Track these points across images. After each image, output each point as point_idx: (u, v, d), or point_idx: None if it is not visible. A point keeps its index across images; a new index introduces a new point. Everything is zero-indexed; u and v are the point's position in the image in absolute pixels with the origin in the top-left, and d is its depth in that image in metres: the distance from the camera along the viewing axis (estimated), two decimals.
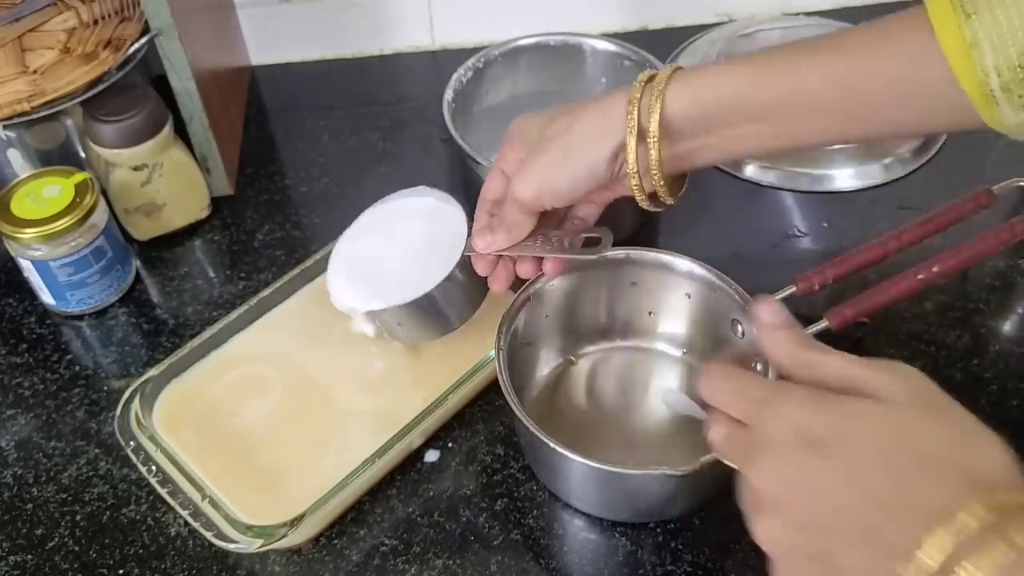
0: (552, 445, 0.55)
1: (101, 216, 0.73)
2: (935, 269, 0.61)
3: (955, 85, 0.46)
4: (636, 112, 0.53)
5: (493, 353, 0.66)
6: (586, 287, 0.67)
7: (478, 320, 0.69)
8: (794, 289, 0.64)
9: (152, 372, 0.66)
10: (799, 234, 0.80)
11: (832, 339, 0.61)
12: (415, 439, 0.65)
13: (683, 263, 0.65)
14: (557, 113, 0.57)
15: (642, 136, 0.54)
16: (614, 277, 0.67)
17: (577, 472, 0.59)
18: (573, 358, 0.70)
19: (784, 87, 0.51)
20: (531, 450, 0.63)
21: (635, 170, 0.55)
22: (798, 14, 1.01)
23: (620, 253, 0.66)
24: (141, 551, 0.62)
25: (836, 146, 0.85)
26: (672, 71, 0.54)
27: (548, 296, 0.66)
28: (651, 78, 0.54)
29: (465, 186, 0.80)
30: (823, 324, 0.62)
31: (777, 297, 0.60)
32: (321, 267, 0.73)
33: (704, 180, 0.85)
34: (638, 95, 0.54)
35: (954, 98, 0.47)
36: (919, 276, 0.61)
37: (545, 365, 0.69)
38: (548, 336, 0.68)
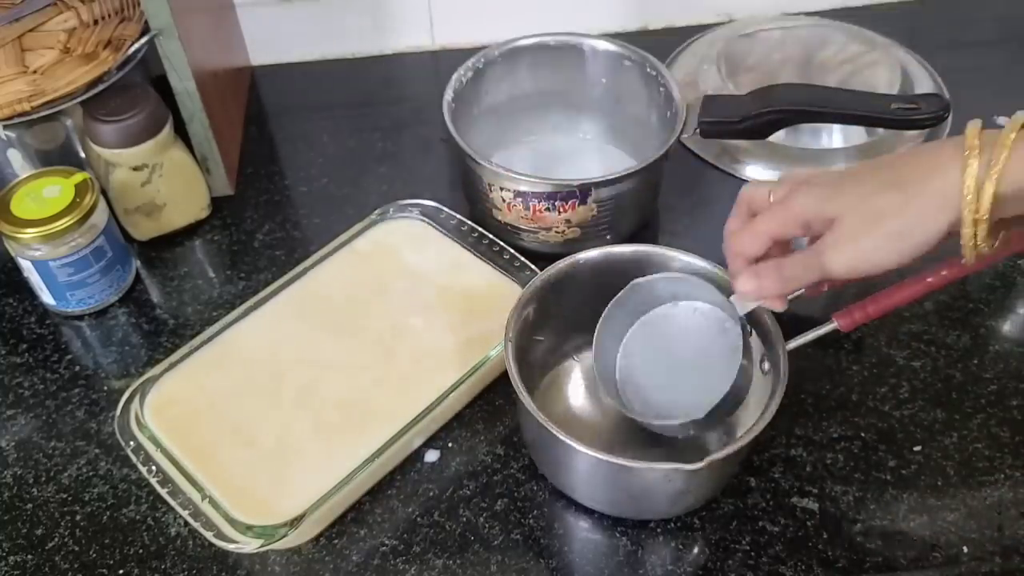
0: (561, 437, 0.56)
1: (101, 216, 0.73)
2: (944, 273, 0.61)
3: None
4: (974, 189, 0.50)
5: (493, 353, 0.66)
6: (594, 283, 0.66)
7: (477, 321, 0.69)
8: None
9: (152, 372, 0.66)
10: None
11: (833, 338, 0.62)
12: (415, 439, 0.65)
13: (682, 258, 0.65)
14: (878, 181, 0.53)
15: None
16: (622, 275, 0.65)
17: (584, 466, 0.59)
18: (576, 358, 0.70)
19: None
20: (537, 443, 0.63)
21: (972, 244, 0.52)
22: (798, 14, 1.01)
23: (628, 250, 0.66)
24: (141, 551, 0.62)
25: (837, 146, 0.85)
26: (1016, 132, 0.50)
27: (557, 291, 0.66)
28: (988, 135, 0.51)
29: (465, 187, 0.80)
30: (832, 325, 0.63)
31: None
32: (319, 263, 0.73)
33: (704, 180, 0.86)
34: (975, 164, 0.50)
35: None
36: (928, 280, 0.61)
37: (551, 361, 0.69)
38: (555, 332, 0.68)
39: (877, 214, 0.52)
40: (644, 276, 0.63)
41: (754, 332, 0.61)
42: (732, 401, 0.60)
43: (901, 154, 0.54)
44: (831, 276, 0.54)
